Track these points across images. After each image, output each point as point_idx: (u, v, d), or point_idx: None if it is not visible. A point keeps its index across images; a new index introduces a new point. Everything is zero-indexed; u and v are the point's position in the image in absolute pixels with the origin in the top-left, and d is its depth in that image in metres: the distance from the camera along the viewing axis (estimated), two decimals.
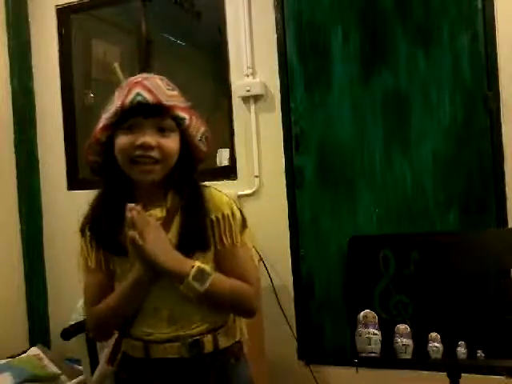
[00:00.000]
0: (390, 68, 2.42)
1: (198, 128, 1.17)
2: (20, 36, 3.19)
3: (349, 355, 1.61)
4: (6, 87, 3.17)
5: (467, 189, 2.31)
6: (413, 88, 2.39)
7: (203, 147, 1.20)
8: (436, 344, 1.51)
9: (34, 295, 3.18)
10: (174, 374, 1.18)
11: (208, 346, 1.17)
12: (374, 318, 1.57)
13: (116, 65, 3.20)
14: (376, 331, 1.55)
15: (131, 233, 1.08)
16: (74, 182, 3.16)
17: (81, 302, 2.62)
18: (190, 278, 1.09)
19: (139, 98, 1.09)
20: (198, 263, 1.11)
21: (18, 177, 3.19)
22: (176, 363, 1.17)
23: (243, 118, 2.67)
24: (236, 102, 2.69)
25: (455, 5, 2.31)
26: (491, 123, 2.26)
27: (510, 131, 2.24)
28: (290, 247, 2.59)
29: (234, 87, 2.70)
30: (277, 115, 2.61)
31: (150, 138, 1.10)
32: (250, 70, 2.65)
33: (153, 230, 1.10)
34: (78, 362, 2.77)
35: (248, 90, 2.63)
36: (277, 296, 2.54)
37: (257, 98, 2.65)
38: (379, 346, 1.54)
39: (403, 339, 1.53)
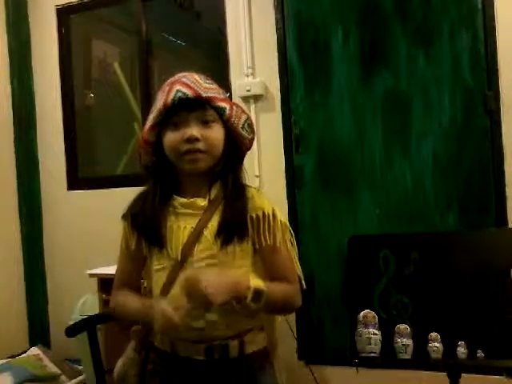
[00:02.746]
0: (390, 68, 2.42)
1: (239, 116, 1.22)
2: (20, 36, 3.20)
3: (349, 355, 1.61)
4: (5, 87, 3.17)
5: (467, 189, 2.31)
6: (413, 88, 2.38)
7: (247, 134, 1.25)
8: (436, 344, 1.51)
9: (34, 295, 3.18)
10: (198, 373, 1.19)
11: (233, 352, 1.19)
12: (373, 317, 1.57)
13: (116, 65, 3.21)
14: (376, 331, 1.55)
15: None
16: (73, 182, 3.17)
17: (81, 302, 2.63)
18: (249, 300, 1.09)
19: (179, 94, 1.14)
20: (252, 284, 1.10)
21: (17, 177, 3.20)
22: (201, 364, 1.18)
23: None
24: (236, 102, 2.68)
25: (455, 5, 2.31)
26: (491, 123, 2.26)
27: (510, 131, 2.24)
28: None
29: (234, 87, 2.69)
30: (277, 115, 2.61)
31: (195, 131, 1.15)
32: (250, 70, 2.65)
33: (205, 275, 1.07)
34: (78, 361, 2.78)
35: (248, 90, 2.63)
36: None
37: (257, 98, 2.65)
38: (379, 345, 1.54)
39: (403, 339, 1.53)
